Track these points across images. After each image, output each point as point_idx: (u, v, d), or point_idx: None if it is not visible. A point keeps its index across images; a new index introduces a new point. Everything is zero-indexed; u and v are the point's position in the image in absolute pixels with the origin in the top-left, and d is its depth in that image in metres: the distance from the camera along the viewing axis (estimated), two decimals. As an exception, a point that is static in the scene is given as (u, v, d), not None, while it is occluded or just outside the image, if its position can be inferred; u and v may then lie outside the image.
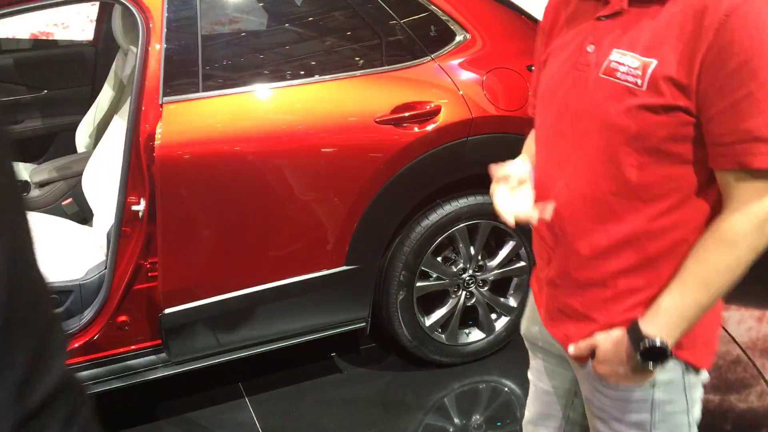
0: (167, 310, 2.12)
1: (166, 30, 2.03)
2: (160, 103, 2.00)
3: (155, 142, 1.96)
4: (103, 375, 2.16)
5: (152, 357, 2.22)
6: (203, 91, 2.06)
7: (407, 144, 2.26)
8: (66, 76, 3.21)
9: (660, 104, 1.00)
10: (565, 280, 1.19)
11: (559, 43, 1.18)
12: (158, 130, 1.97)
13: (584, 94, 1.09)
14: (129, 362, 2.19)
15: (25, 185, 2.73)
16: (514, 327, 2.71)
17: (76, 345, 2.12)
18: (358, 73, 2.27)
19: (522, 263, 2.64)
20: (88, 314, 2.15)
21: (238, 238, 2.16)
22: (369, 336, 2.73)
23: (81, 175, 2.62)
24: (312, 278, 2.28)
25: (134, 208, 2.06)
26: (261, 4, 2.36)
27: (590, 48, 1.09)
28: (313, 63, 2.28)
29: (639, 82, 1.01)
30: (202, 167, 2.04)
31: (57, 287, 2.21)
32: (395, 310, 2.48)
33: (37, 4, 1.94)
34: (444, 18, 2.38)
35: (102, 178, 2.42)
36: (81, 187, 2.61)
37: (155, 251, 2.07)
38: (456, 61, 2.37)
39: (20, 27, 5.32)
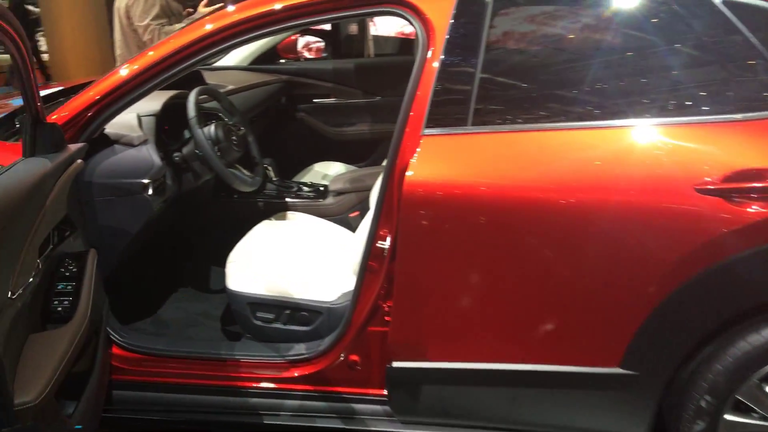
0: (395, 363, 1.87)
1: (444, 53, 1.75)
2: (421, 133, 1.74)
3: (406, 175, 1.70)
4: (325, 411, 2.02)
5: (377, 407, 2.00)
6: (472, 125, 1.73)
7: (740, 226, 1.58)
8: (399, 85, 3.18)
9: None
10: None
11: None
12: (411, 163, 1.71)
13: None
14: (353, 405, 2.01)
15: (324, 191, 2.76)
16: None
17: (306, 373, 2.02)
18: (684, 119, 1.66)
19: None
20: (326, 342, 2.03)
21: (484, 302, 1.78)
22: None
23: (371, 189, 2.53)
24: (570, 372, 1.78)
25: (380, 244, 1.85)
26: (561, 33, 1.89)
27: None
28: (620, 102, 1.74)
29: None
30: (453, 212, 1.71)
31: (309, 305, 2.14)
32: (687, 443, 1.82)
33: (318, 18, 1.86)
34: None
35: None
36: (369, 202, 2.51)
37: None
38: None
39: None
